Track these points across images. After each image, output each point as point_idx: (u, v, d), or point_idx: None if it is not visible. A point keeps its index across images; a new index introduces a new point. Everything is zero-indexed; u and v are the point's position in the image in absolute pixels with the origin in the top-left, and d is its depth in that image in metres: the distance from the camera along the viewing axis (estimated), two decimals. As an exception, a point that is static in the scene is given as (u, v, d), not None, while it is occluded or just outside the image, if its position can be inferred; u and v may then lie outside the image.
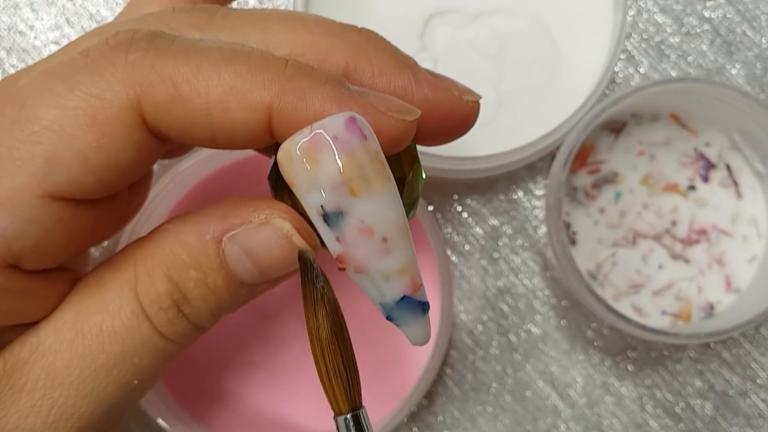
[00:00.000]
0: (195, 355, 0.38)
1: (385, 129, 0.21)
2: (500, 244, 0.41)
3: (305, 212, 0.23)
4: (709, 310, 0.40)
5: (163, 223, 0.23)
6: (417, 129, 0.22)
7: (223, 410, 0.38)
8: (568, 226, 0.40)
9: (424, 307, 0.22)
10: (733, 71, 0.42)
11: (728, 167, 0.41)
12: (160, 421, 0.36)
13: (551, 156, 0.40)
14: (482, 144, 0.39)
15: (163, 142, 0.22)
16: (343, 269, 0.21)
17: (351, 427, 0.21)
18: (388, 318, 0.22)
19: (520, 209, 0.42)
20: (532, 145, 0.37)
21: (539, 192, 0.42)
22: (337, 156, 0.20)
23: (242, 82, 0.21)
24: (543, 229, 0.41)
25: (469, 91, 0.25)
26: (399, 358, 0.38)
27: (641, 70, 0.42)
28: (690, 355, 0.41)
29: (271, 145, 0.23)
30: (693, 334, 0.37)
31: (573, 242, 0.40)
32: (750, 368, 0.41)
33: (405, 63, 0.24)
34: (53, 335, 0.22)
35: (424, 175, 0.25)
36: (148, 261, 0.22)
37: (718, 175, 0.41)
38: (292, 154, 0.20)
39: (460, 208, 0.42)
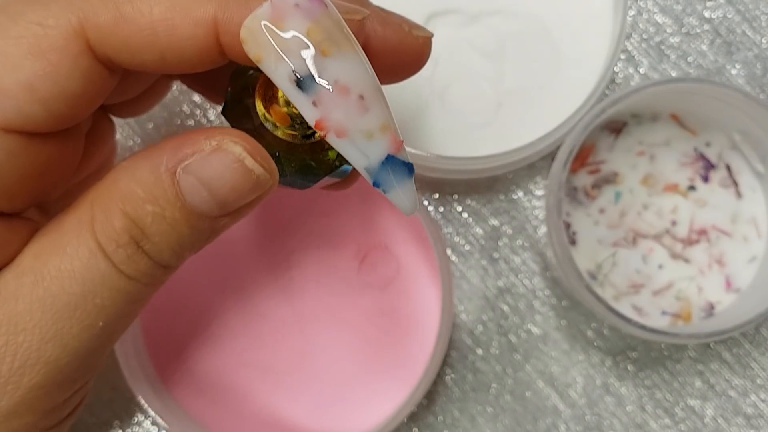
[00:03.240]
0: (195, 355, 0.38)
1: None
2: (500, 244, 0.41)
3: (265, 134, 0.23)
4: (709, 310, 0.40)
5: (119, 162, 0.23)
6: None
7: (223, 410, 0.38)
8: (568, 226, 0.40)
9: (410, 168, 0.21)
10: (733, 71, 0.42)
11: (728, 167, 0.41)
12: (159, 419, 0.36)
13: (551, 156, 0.40)
14: (482, 144, 0.39)
15: (113, 71, 0.22)
16: (324, 136, 0.21)
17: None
18: (375, 184, 0.21)
19: (520, 209, 0.42)
20: (532, 145, 0.37)
21: (539, 192, 0.42)
22: (302, 21, 0.20)
23: None
24: (543, 229, 0.41)
25: (419, 27, 0.25)
26: (399, 359, 0.38)
27: (641, 70, 0.42)
28: (690, 355, 0.41)
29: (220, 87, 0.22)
30: (693, 334, 0.37)
31: (573, 242, 0.40)
32: (750, 368, 0.41)
33: None
34: (14, 280, 0.22)
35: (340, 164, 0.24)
36: (104, 199, 0.22)
37: (718, 175, 0.41)
38: (255, 28, 0.20)
39: (460, 208, 0.42)
